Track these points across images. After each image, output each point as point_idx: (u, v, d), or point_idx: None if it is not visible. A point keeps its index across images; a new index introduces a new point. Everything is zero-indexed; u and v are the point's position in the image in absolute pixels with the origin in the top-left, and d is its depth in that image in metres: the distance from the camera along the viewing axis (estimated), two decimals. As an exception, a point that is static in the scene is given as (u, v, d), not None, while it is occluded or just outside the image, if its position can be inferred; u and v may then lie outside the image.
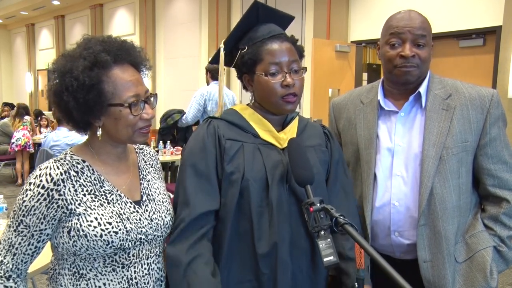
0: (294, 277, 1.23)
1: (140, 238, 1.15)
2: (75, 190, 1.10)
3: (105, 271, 1.13)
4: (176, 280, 1.17)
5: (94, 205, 1.11)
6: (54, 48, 12.62)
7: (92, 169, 1.15)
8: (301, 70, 1.27)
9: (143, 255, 1.17)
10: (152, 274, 1.19)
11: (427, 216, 1.39)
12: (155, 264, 1.20)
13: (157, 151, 5.13)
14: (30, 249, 1.10)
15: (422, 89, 1.44)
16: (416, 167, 1.42)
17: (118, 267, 1.13)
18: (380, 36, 1.48)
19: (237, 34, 1.32)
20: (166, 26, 8.82)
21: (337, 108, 1.63)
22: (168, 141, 5.35)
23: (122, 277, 1.14)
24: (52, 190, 1.07)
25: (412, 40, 1.38)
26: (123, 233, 1.11)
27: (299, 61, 1.28)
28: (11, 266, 1.09)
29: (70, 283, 1.13)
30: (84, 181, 1.12)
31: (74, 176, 1.11)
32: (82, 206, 1.09)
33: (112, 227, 1.09)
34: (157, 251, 1.21)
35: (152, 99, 1.16)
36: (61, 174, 1.09)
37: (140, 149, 1.32)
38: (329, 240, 1.09)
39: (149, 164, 1.31)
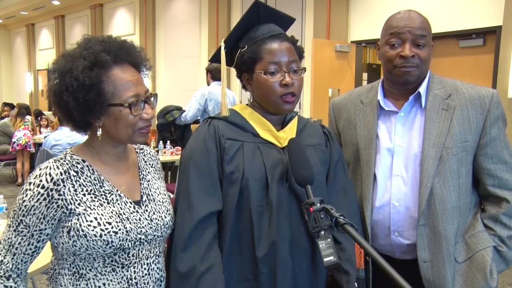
0: (294, 277, 1.23)
1: (140, 238, 1.15)
2: (75, 190, 1.10)
3: (105, 271, 1.13)
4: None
5: (94, 205, 1.11)
6: (54, 48, 12.62)
7: (92, 169, 1.15)
8: (300, 70, 1.27)
9: (143, 255, 1.17)
10: (152, 274, 1.19)
11: (427, 216, 1.39)
12: (155, 264, 1.20)
13: (157, 151, 5.13)
14: (30, 249, 1.10)
15: (422, 89, 1.44)
16: (416, 167, 1.42)
17: (118, 267, 1.13)
18: (380, 36, 1.48)
19: (237, 33, 1.32)
20: (166, 26, 8.82)
21: (337, 108, 1.63)
22: (168, 141, 5.35)
23: (122, 277, 1.14)
24: (52, 190, 1.07)
25: (412, 40, 1.38)
26: (122, 233, 1.11)
27: (298, 62, 1.28)
28: (11, 266, 1.09)
29: (70, 283, 1.13)
30: (84, 181, 1.12)
31: (74, 176, 1.11)
32: (82, 206, 1.09)
33: (112, 227, 1.09)
34: (157, 251, 1.21)
35: (152, 99, 1.16)
36: (61, 174, 1.09)
37: (140, 149, 1.32)
38: (329, 240, 1.09)
39: (149, 164, 1.31)
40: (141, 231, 1.15)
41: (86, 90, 1.06)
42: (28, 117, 7.47)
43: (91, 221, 1.08)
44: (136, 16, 9.56)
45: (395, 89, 1.48)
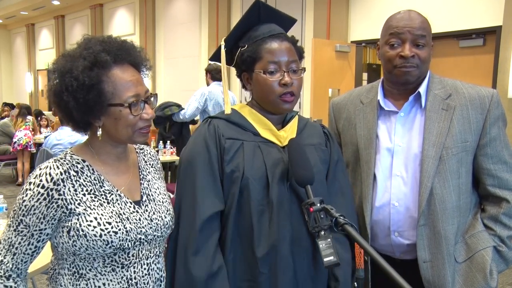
0: (295, 276, 1.23)
1: (140, 238, 1.15)
2: (75, 190, 1.10)
3: (105, 271, 1.13)
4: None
5: (94, 205, 1.11)
6: (54, 48, 12.62)
7: (92, 169, 1.15)
8: (300, 70, 1.27)
9: (142, 255, 1.17)
10: (151, 274, 1.19)
11: (427, 216, 1.39)
12: (155, 264, 1.20)
13: (157, 151, 5.13)
14: (30, 248, 1.10)
15: (422, 89, 1.44)
16: (415, 167, 1.42)
17: (118, 267, 1.13)
18: (380, 36, 1.48)
19: (237, 32, 1.32)
20: (166, 26, 8.82)
21: (336, 108, 1.63)
22: (168, 141, 5.35)
23: (122, 277, 1.14)
24: (52, 189, 1.07)
25: (411, 40, 1.38)
26: (122, 233, 1.11)
27: (298, 62, 1.28)
28: (11, 266, 1.09)
29: (69, 283, 1.13)
30: (84, 180, 1.12)
31: (74, 176, 1.11)
32: (82, 206, 1.09)
33: (112, 227, 1.09)
34: (157, 251, 1.21)
35: (152, 99, 1.16)
36: (61, 173, 1.09)
37: (141, 149, 1.32)
38: (329, 240, 1.09)
39: (150, 164, 1.31)
40: (141, 231, 1.15)
41: (86, 90, 1.06)
42: (29, 117, 7.49)
43: (91, 221, 1.08)
44: (136, 16, 9.56)
45: (395, 89, 1.48)
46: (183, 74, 8.47)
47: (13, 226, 1.09)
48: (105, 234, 1.08)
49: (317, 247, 1.10)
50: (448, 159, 1.38)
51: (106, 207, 1.12)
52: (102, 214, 1.10)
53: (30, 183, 1.08)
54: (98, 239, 1.08)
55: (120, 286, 1.14)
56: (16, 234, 1.09)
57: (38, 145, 6.76)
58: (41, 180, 1.07)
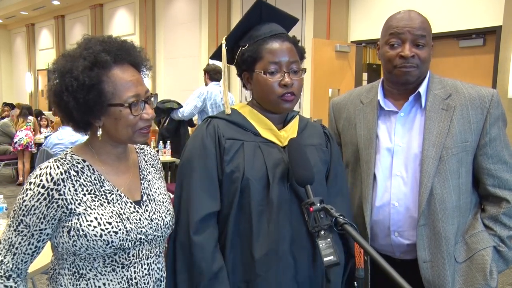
0: (295, 276, 1.23)
1: (140, 238, 1.15)
2: (75, 190, 1.10)
3: (105, 271, 1.13)
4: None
5: (94, 205, 1.11)
6: (54, 48, 12.61)
7: (92, 169, 1.15)
8: (300, 71, 1.27)
9: (143, 255, 1.17)
10: (152, 274, 1.19)
11: (427, 216, 1.39)
12: (155, 264, 1.20)
13: (157, 151, 5.13)
14: (30, 248, 1.10)
15: (422, 89, 1.44)
16: (415, 167, 1.42)
17: (118, 267, 1.13)
18: (380, 36, 1.48)
19: (239, 31, 1.32)
20: (166, 26, 8.81)
21: (336, 108, 1.63)
22: (168, 141, 5.35)
23: (122, 277, 1.14)
24: (52, 189, 1.07)
25: (411, 41, 1.38)
26: (123, 233, 1.11)
27: (299, 62, 1.28)
28: (11, 266, 1.09)
29: (70, 283, 1.13)
30: (84, 180, 1.12)
31: (74, 175, 1.11)
32: (82, 206, 1.09)
33: (112, 227, 1.09)
34: (157, 251, 1.21)
35: (152, 99, 1.16)
36: (61, 173, 1.09)
37: (141, 149, 1.32)
38: (329, 240, 1.09)
39: (150, 164, 1.31)
40: (141, 231, 1.15)
41: (86, 90, 1.06)
42: (30, 117, 7.49)
43: (91, 221, 1.08)
44: (136, 16, 9.56)
45: (395, 89, 1.48)
46: (183, 74, 8.47)
47: (13, 226, 1.09)
48: (105, 234, 1.08)
49: (316, 246, 1.10)
50: (448, 159, 1.39)
51: (106, 207, 1.12)
52: (102, 214, 1.10)
53: (30, 183, 1.08)
54: (98, 239, 1.08)
55: (120, 286, 1.14)
56: (16, 234, 1.09)
57: (38, 145, 6.77)
58: (41, 180, 1.07)
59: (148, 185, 1.25)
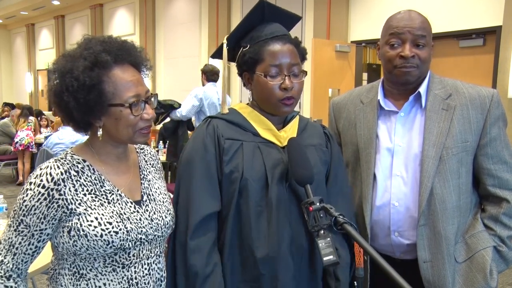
0: (295, 276, 1.23)
1: (141, 238, 1.15)
2: (76, 190, 1.10)
3: (105, 271, 1.13)
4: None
5: (95, 205, 1.11)
6: (54, 48, 12.61)
7: (93, 169, 1.15)
8: (301, 73, 1.27)
9: (143, 255, 1.17)
10: (152, 274, 1.19)
11: (427, 216, 1.39)
12: (156, 264, 1.20)
13: (157, 151, 5.13)
14: (31, 248, 1.10)
15: (422, 89, 1.44)
16: (416, 167, 1.42)
17: (118, 267, 1.13)
18: (380, 36, 1.48)
19: (240, 31, 1.31)
20: (166, 26, 8.81)
21: (337, 107, 1.63)
22: (168, 141, 5.36)
23: (122, 277, 1.14)
24: (52, 189, 1.07)
25: (412, 41, 1.38)
26: (123, 233, 1.11)
27: (300, 65, 1.27)
28: (11, 266, 1.09)
29: (70, 283, 1.13)
30: (85, 180, 1.12)
31: (74, 175, 1.11)
32: (83, 206, 1.09)
33: (113, 227, 1.09)
34: (157, 251, 1.21)
35: (152, 99, 1.16)
36: (62, 173, 1.09)
37: (141, 149, 1.32)
38: (328, 239, 1.09)
39: (150, 164, 1.31)
40: (141, 231, 1.15)
41: (86, 90, 1.06)
42: (31, 118, 7.50)
43: (91, 221, 1.08)
44: (136, 16, 9.56)
45: (395, 89, 1.48)
46: (183, 74, 8.47)
47: (13, 226, 1.09)
48: (105, 234, 1.08)
49: (316, 246, 1.10)
50: (448, 159, 1.39)
51: (106, 207, 1.12)
52: (102, 214, 1.10)
53: (30, 183, 1.08)
54: (98, 239, 1.08)
55: (121, 286, 1.14)
56: (17, 234, 1.09)
57: (39, 145, 6.77)
58: (41, 180, 1.07)
59: (148, 185, 1.25)
